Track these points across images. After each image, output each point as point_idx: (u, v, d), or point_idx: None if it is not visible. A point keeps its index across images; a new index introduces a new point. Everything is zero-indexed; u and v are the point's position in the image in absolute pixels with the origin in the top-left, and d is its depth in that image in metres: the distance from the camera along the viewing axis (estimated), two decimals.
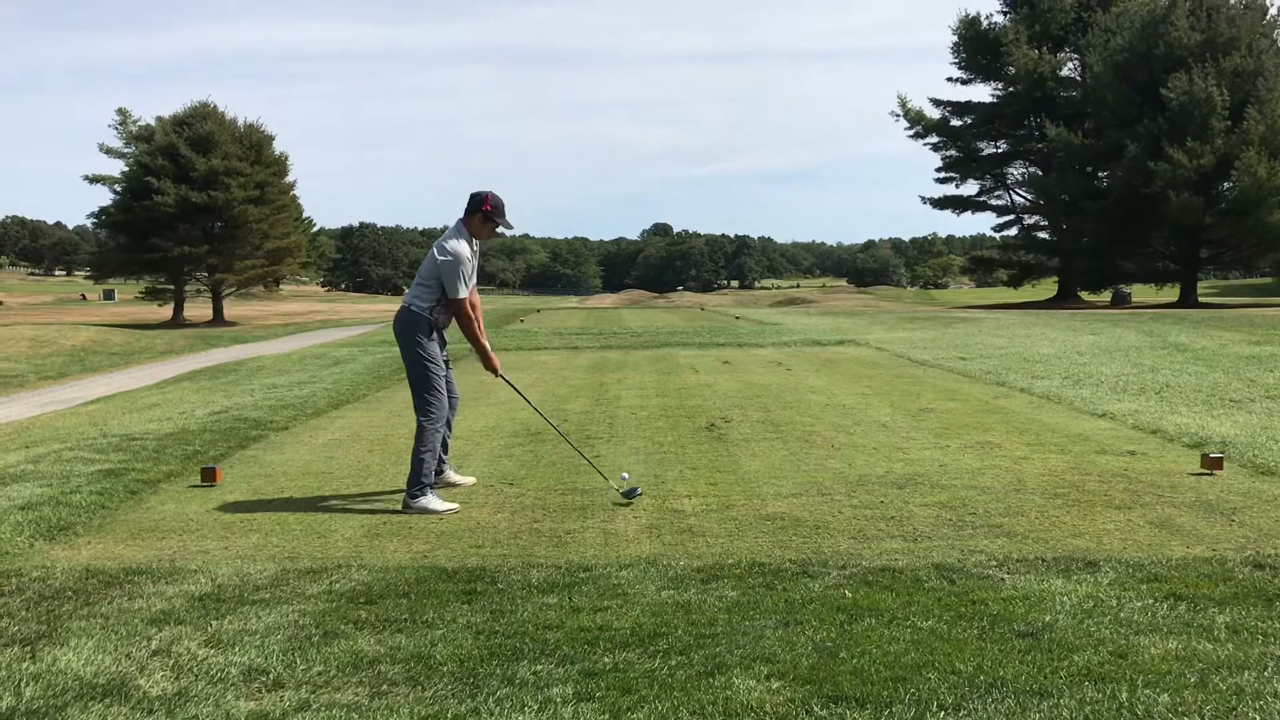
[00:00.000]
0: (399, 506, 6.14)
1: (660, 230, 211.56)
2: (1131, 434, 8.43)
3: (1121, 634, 3.82)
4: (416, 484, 6.02)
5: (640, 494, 6.22)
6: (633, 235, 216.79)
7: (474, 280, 6.36)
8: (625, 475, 6.61)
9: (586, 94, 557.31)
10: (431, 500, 6.03)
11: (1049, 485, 6.52)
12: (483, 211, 6.16)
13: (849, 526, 5.58)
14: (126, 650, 3.78)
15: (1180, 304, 44.13)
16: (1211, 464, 6.76)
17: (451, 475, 6.66)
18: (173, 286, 49.42)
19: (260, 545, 5.37)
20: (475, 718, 3.17)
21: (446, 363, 6.36)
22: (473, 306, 6.33)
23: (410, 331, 6.15)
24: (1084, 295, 55.25)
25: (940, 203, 61.46)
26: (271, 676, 3.52)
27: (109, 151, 48.82)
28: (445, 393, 6.24)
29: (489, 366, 6.47)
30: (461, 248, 6.10)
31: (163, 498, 6.56)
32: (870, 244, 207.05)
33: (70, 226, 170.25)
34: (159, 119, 48.42)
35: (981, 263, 69.28)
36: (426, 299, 6.14)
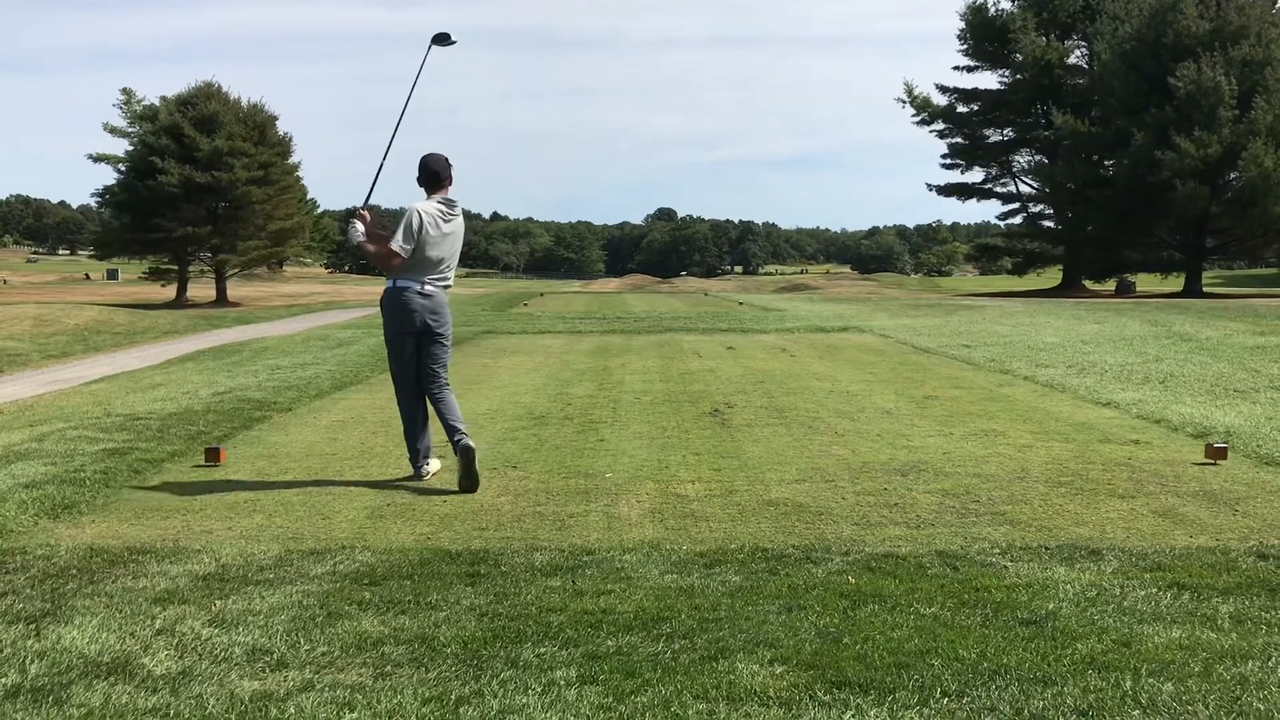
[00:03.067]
0: (403, 487, 6.22)
1: (664, 215, 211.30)
2: (1135, 423, 8.42)
3: (1125, 623, 3.82)
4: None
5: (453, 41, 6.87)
6: (636, 220, 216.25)
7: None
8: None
9: (591, 78, 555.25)
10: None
11: (1052, 474, 6.52)
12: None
13: (852, 513, 5.57)
14: (130, 629, 3.79)
15: (1185, 294, 44.02)
16: (1215, 454, 6.75)
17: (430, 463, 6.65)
18: (176, 267, 49.36)
19: (264, 526, 5.37)
20: (479, 700, 3.18)
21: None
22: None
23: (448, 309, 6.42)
24: (1088, 284, 55.14)
25: (946, 190, 61.30)
26: (275, 656, 3.53)
27: (113, 131, 48.82)
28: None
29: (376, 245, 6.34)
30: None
31: (166, 477, 6.57)
32: (875, 230, 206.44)
33: (74, 206, 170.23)
34: (163, 99, 48.33)
35: (986, 250, 69.11)
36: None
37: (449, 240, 6.28)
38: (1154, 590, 4.20)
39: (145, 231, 45.98)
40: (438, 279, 6.27)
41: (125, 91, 49.10)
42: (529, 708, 3.10)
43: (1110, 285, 53.99)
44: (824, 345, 16.73)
